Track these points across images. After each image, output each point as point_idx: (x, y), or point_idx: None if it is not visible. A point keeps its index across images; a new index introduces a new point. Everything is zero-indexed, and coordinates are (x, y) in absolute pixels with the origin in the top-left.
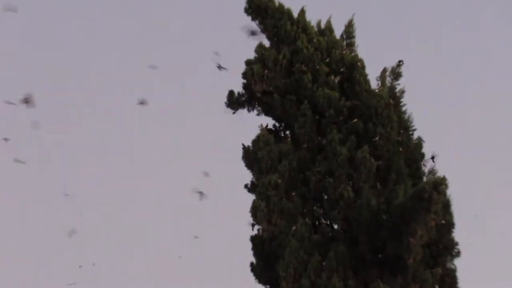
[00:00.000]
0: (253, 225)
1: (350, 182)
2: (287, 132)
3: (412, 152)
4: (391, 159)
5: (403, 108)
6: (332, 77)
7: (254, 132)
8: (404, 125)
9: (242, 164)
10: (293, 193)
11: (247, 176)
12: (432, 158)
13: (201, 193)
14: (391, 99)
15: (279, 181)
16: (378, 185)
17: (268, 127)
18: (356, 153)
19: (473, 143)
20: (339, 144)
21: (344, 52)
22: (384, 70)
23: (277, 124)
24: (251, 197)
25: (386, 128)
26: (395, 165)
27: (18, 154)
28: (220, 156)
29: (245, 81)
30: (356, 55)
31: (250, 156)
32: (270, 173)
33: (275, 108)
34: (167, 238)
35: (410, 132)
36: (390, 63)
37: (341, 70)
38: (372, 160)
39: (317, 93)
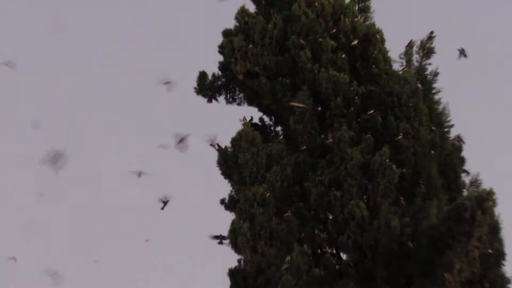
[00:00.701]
0: (220, 240)
1: (364, 197)
2: (279, 128)
3: (448, 156)
4: (420, 165)
5: (436, 97)
6: (340, 54)
7: (235, 128)
8: (437, 120)
9: (216, 171)
10: (287, 212)
11: (224, 188)
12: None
13: (164, 203)
14: (419, 84)
15: (268, 194)
16: (402, 201)
17: (253, 121)
18: (372, 157)
19: None
20: (349, 144)
21: (356, 20)
22: (411, 45)
23: (265, 118)
24: (230, 216)
25: (412, 123)
26: (425, 173)
27: None
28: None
29: (222, 58)
30: (373, 24)
31: (228, 161)
32: (256, 183)
33: (263, 96)
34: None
35: (446, 129)
36: (418, 35)
37: (352, 44)
38: (394, 166)
39: (320, 75)
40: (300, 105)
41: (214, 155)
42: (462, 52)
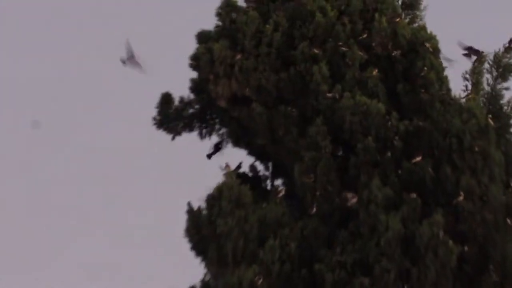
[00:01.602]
0: None
1: (406, 287)
2: (279, 181)
3: None
4: (490, 241)
5: None
6: (373, 71)
7: (214, 178)
8: None
9: (182, 244)
10: None
11: (196, 271)
12: None
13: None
14: (491, 119)
15: (261, 281)
16: None
17: (241, 169)
18: (418, 227)
19: None
20: (383, 208)
21: (398, 20)
22: (480, 60)
23: (258, 165)
24: None
25: (480, 177)
26: (498, 253)
27: None
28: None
29: (195, 75)
30: (423, 28)
31: (202, 230)
32: (243, 264)
33: (256, 132)
34: None
35: None
36: (491, 46)
37: (393, 54)
38: (451, 242)
39: (342, 103)
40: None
41: None
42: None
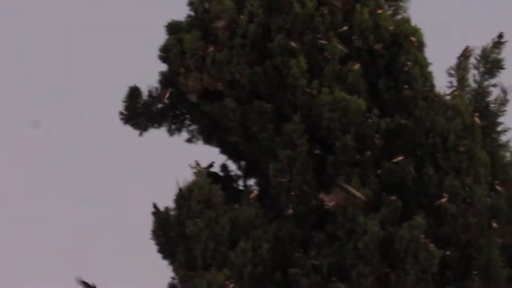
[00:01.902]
0: None
1: None
2: (252, 181)
3: None
4: (474, 245)
5: (503, 138)
6: (354, 65)
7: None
8: (504, 174)
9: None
10: None
11: (162, 275)
12: None
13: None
14: (477, 117)
15: (232, 285)
16: None
17: (212, 168)
18: (398, 230)
19: None
20: (362, 210)
21: (380, 11)
22: (466, 54)
23: (231, 164)
24: None
25: (464, 178)
26: (482, 258)
27: None
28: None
29: (165, 68)
30: (407, 20)
31: (170, 231)
32: (213, 268)
33: (229, 129)
34: None
35: None
36: (478, 40)
37: (375, 48)
38: (432, 246)
39: (320, 98)
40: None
41: None
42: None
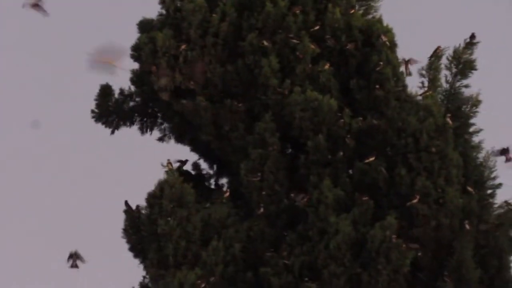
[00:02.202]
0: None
1: None
2: (224, 180)
3: (492, 234)
4: (446, 246)
5: (475, 139)
6: (325, 65)
7: (153, 175)
8: (476, 175)
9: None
10: None
11: (134, 273)
12: None
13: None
14: (449, 118)
15: (203, 285)
16: None
17: (184, 167)
18: (370, 230)
19: None
20: (334, 210)
21: (352, 11)
22: (437, 54)
23: (202, 163)
24: None
25: (436, 179)
26: (454, 260)
27: None
28: None
29: (136, 66)
30: (378, 20)
31: (142, 230)
32: (185, 266)
33: (200, 128)
34: None
35: (489, 191)
36: (450, 41)
37: (347, 47)
38: (404, 246)
39: (291, 97)
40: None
41: None
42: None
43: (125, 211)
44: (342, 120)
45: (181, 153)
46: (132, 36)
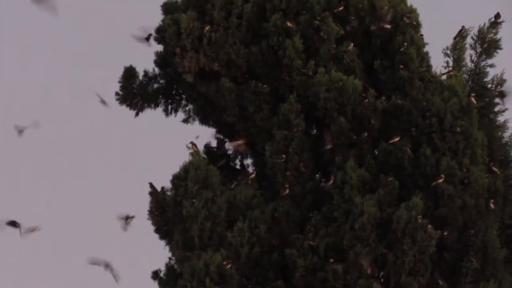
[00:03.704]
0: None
1: (381, 274)
2: (249, 161)
3: None
4: (471, 226)
5: (500, 118)
6: (349, 45)
7: (179, 157)
8: (501, 155)
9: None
10: None
11: (160, 254)
12: None
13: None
14: (473, 97)
15: (229, 266)
16: (441, 282)
17: (211, 146)
18: (395, 211)
19: None
20: (359, 191)
21: None
22: (462, 34)
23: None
24: None
25: (461, 158)
26: (479, 239)
27: None
28: None
29: (161, 48)
30: (403, 0)
31: (167, 212)
32: (210, 248)
33: (225, 109)
34: None
35: None
36: (475, 20)
37: (372, 29)
38: (430, 227)
39: (316, 79)
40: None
41: None
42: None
43: (151, 193)
44: (367, 100)
45: (206, 134)
46: (157, 18)
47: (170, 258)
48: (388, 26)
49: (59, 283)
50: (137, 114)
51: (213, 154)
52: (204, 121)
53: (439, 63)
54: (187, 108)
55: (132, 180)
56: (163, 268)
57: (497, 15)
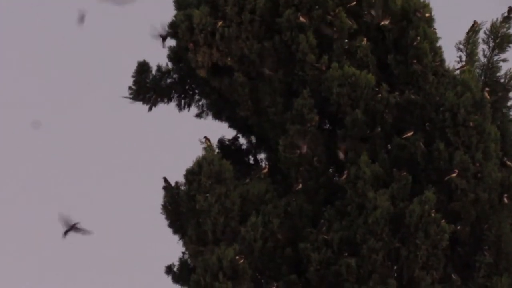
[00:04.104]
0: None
1: (395, 268)
2: (262, 156)
3: None
4: (484, 220)
5: None
6: (362, 40)
7: (193, 152)
8: None
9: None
10: None
11: (174, 250)
12: None
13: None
14: (487, 92)
15: (242, 260)
16: (454, 276)
17: (225, 139)
18: (408, 205)
19: None
20: (372, 185)
21: None
22: (475, 29)
23: (241, 139)
24: None
25: (474, 153)
26: (493, 234)
27: None
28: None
29: (173, 43)
30: None
31: (180, 206)
32: (223, 243)
33: (238, 104)
34: None
35: None
36: (487, 15)
37: (382, 23)
38: (443, 222)
39: (329, 73)
40: None
41: None
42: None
43: (164, 188)
44: (380, 95)
45: (219, 129)
46: (169, 13)
47: (183, 253)
48: (386, 22)
49: None
50: (150, 109)
51: (226, 149)
52: (217, 116)
53: (452, 57)
54: (200, 103)
55: (146, 175)
56: (176, 263)
57: (510, 10)
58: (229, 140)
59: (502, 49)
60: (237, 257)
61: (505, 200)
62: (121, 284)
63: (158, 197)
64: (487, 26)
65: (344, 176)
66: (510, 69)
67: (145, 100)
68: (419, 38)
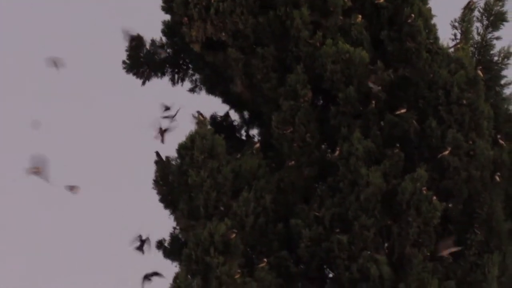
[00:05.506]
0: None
1: (385, 245)
2: (255, 131)
3: None
4: (476, 198)
5: (506, 91)
6: (357, 17)
7: (184, 128)
8: (507, 128)
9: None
10: (262, 263)
11: (164, 226)
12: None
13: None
14: (480, 70)
15: (233, 235)
16: None
17: (216, 116)
18: (400, 182)
19: None
20: (364, 162)
21: None
22: (470, 7)
23: (233, 114)
24: (172, 267)
25: (467, 131)
26: (484, 211)
27: None
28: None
29: (168, 17)
30: None
31: (172, 181)
32: (215, 218)
33: (232, 79)
34: None
35: None
36: None
37: (377, 2)
38: (435, 199)
39: (323, 50)
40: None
41: None
42: None
43: (156, 162)
44: (374, 75)
45: (212, 104)
46: None
47: (174, 228)
48: (381, 0)
49: None
50: (143, 83)
51: (218, 125)
52: (211, 90)
53: (446, 35)
54: (193, 78)
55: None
56: (167, 238)
57: None
58: (221, 116)
59: (496, 27)
60: (229, 232)
61: (497, 178)
62: (111, 260)
63: (149, 171)
64: (481, 4)
65: (337, 153)
66: (503, 47)
67: (138, 74)
68: (413, 15)
